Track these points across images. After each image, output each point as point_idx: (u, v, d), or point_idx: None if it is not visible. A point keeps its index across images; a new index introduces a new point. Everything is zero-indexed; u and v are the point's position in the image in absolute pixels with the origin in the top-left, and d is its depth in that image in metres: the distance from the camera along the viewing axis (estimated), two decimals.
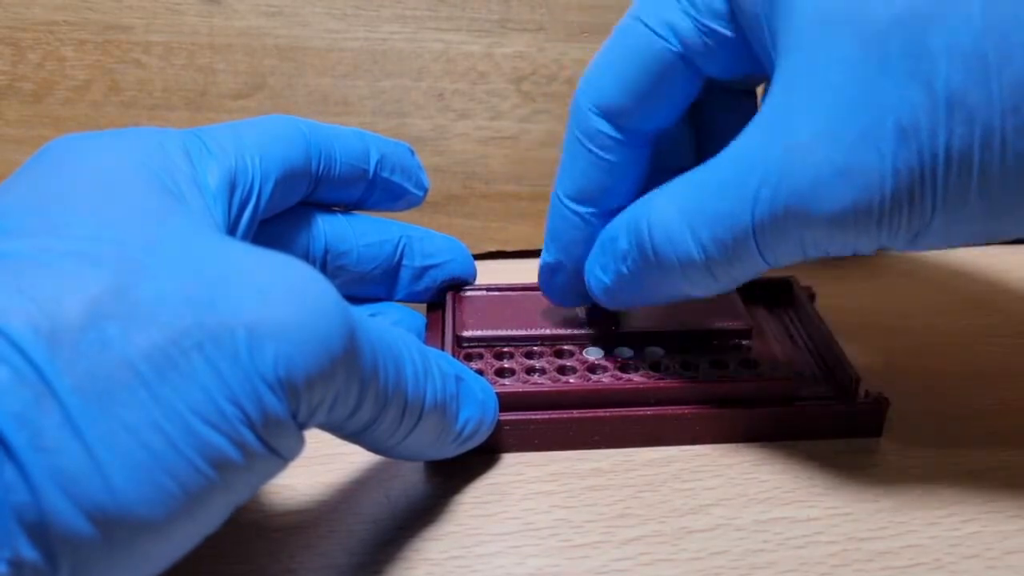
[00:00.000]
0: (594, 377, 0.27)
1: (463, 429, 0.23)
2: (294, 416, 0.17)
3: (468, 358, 0.28)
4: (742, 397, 0.26)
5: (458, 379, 0.23)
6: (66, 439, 0.15)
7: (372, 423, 0.20)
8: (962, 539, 0.23)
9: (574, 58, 0.37)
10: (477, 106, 0.37)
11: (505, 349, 0.29)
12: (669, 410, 0.26)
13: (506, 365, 0.28)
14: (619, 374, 0.27)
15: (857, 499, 0.25)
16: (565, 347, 0.29)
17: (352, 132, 0.28)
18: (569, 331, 0.29)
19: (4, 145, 0.36)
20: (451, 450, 0.23)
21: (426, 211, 0.39)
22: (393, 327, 0.21)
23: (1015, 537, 0.23)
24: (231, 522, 0.23)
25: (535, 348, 0.29)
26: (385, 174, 0.29)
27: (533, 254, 0.40)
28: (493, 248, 0.40)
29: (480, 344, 0.29)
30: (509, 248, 0.40)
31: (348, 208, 0.30)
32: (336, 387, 0.18)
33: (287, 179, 0.25)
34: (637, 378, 0.27)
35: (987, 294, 0.36)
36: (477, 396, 0.24)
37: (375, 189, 0.29)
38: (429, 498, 0.25)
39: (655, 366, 0.28)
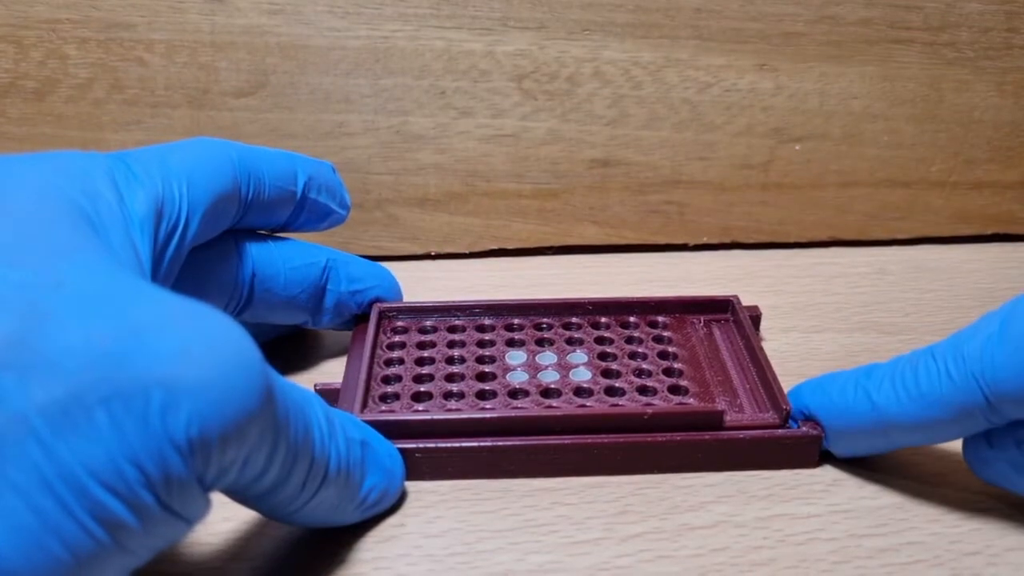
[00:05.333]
0: (515, 402, 0.26)
1: (367, 496, 0.22)
2: (200, 479, 0.16)
3: (386, 381, 0.27)
4: (666, 426, 0.25)
5: (364, 445, 0.22)
6: None
7: (279, 484, 0.19)
8: (963, 536, 0.23)
9: (575, 56, 0.37)
10: (478, 104, 0.37)
11: (424, 371, 0.28)
12: (590, 439, 0.25)
13: (423, 389, 0.27)
14: (541, 399, 0.26)
15: (857, 496, 0.25)
16: (487, 369, 0.28)
17: (279, 154, 0.28)
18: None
19: (6, 143, 0.36)
20: (354, 516, 0.23)
21: (428, 209, 0.39)
22: (299, 385, 0.20)
23: (1015, 534, 0.23)
24: (230, 519, 0.23)
25: (455, 370, 0.28)
26: (312, 195, 0.29)
27: (534, 252, 0.40)
28: (494, 246, 0.40)
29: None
30: (510, 246, 0.40)
31: (273, 231, 0.29)
32: (250, 444, 0.17)
33: (216, 206, 0.24)
34: (560, 405, 0.26)
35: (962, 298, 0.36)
36: (384, 464, 0.23)
37: (302, 211, 0.29)
38: (430, 494, 0.25)
39: (579, 392, 0.27)
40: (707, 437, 0.25)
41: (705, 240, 0.41)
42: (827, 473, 0.25)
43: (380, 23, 0.36)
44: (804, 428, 0.25)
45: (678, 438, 0.25)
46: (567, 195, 0.39)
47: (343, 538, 0.23)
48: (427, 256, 0.40)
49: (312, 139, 0.37)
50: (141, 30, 0.35)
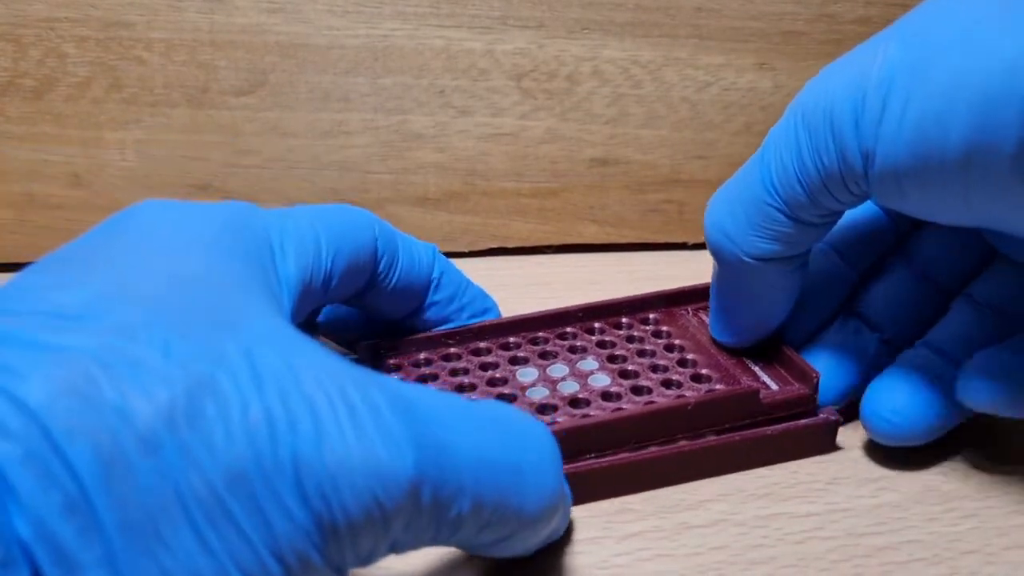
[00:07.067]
0: (545, 418, 0.25)
1: (554, 533, 0.21)
2: (338, 569, 0.16)
3: None
4: (713, 416, 0.25)
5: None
6: None
7: (466, 542, 0.18)
8: (961, 535, 0.23)
9: (574, 55, 0.37)
10: (478, 103, 0.37)
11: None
12: (636, 456, 0.24)
13: None
14: (572, 410, 0.25)
15: (856, 495, 0.25)
16: (504, 390, 0.26)
17: (426, 254, 0.28)
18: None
19: (6, 142, 0.36)
20: (532, 548, 0.21)
21: (428, 208, 0.39)
22: (519, 416, 0.19)
23: (1014, 533, 0.23)
24: None
25: (473, 396, 0.26)
26: (447, 312, 0.28)
27: (533, 251, 0.40)
28: (494, 245, 0.40)
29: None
30: (510, 245, 0.40)
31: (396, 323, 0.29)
32: (393, 535, 0.16)
33: (349, 276, 0.24)
34: (594, 413, 0.25)
35: None
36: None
37: (425, 316, 0.28)
38: None
39: (607, 396, 0.26)
40: (737, 438, 0.25)
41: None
42: (826, 472, 0.25)
43: (379, 22, 0.36)
44: (823, 414, 0.26)
45: (731, 429, 0.25)
46: (567, 194, 0.39)
47: None
48: None
49: (311, 138, 0.37)
50: (140, 29, 0.35)
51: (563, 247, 0.40)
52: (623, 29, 0.37)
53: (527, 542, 0.19)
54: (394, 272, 0.26)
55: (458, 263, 0.39)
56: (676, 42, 0.37)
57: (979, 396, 0.24)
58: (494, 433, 0.18)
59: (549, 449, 0.19)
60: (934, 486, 0.25)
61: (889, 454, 0.26)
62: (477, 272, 0.34)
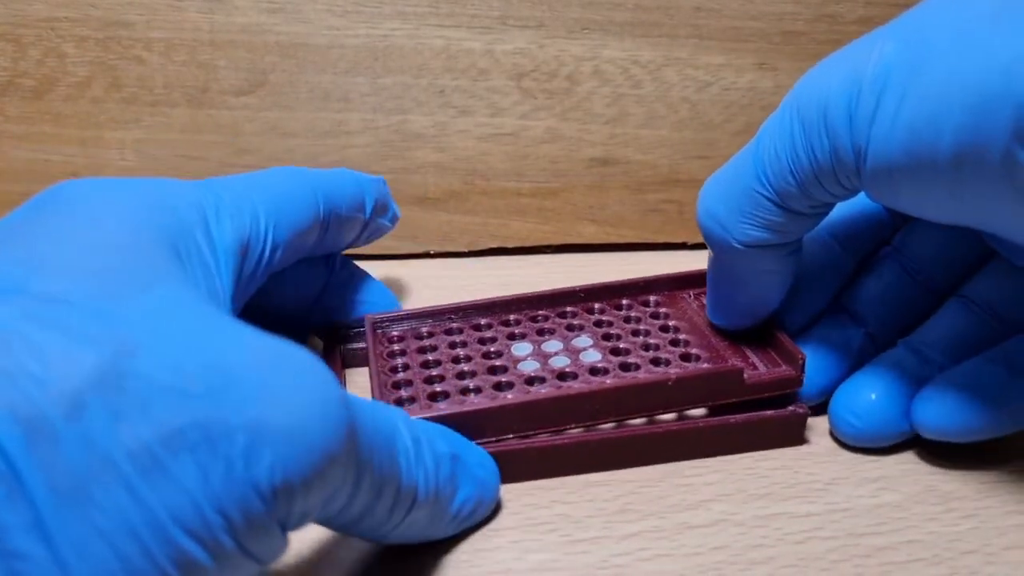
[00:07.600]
0: (532, 389, 0.26)
1: (460, 510, 0.22)
2: (282, 523, 0.16)
3: (396, 386, 0.26)
4: (696, 393, 0.26)
5: (454, 458, 0.22)
6: (33, 543, 0.13)
7: (364, 514, 0.19)
8: (961, 535, 0.23)
9: (574, 55, 0.37)
10: (478, 103, 0.37)
11: (434, 373, 0.27)
12: (624, 432, 0.25)
13: (438, 389, 0.26)
14: (559, 383, 0.26)
15: (856, 495, 0.25)
16: (497, 362, 0.27)
17: (350, 180, 0.29)
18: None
19: (5, 141, 0.36)
20: (449, 530, 0.22)
21: (427, 208, 0.39)
22: (387, 408, 0.21)
23: (1013, 533, 0.23)
24: None
25: (465, 368, 0.27)
26: (377, 217, 0.30)
27: (533, 251, 0.40)
28: (494, 244, 0.40)
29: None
30: (510, 244, 0.40)
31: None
32: (333, 486, 0.17)
33: (298, 240, 0.25)
34: (578, 386, 0.26)
35: None
36: (476, 474, 0.23)
37: (363, 233, 0.30)
38: None
39: (594, 371, 0.26)
40: (700, 424, 0.26)
41: None
42: (825, 472, 0.25)
43: (379, 21, 0.36)
44: (791, 407, 0.26)
45: (714, 412, 0.26)
46: (566, 194, 0.39)
47: (339, 534, 0.23)
48: (426, 255, 0.40)
49: (311, 138, 0.37)
50: (140, 28, 0.35)
51: (563, 247, 0.40)
52: (623, 29, 0.37)
53: (407, 518, 0.20)
54: (341, 219, 0.28)
55: (458, 263, 0.39)
56: (676, 42, 0.37)
57: (932, 421, 0.24)
58: (374, 409, 0.19)
59: (412, 435, 0.21)
60: (934, 486, 0.25)
61: (889, 453, 0.26)
62: (477, 272, 0.35)
